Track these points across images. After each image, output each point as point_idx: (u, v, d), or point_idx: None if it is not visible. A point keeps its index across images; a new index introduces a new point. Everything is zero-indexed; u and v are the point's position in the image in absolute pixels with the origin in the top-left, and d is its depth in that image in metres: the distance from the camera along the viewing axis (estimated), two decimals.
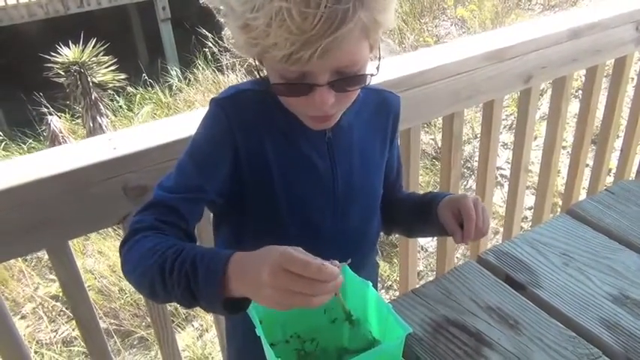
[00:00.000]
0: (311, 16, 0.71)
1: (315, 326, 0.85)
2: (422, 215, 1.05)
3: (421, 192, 1.19)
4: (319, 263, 0.67)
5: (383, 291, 3.88)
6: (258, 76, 0.88)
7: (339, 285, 0.69)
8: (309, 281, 0.66)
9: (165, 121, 1.25)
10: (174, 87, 7.20)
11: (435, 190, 1.24)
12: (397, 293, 3.77)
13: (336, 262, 0.72)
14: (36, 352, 3.95)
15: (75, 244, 4.72)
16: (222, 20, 0.82)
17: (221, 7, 0.81)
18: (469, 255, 2.40)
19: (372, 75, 0.84)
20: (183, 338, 3.84)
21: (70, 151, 1.16)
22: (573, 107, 2.83)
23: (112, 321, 4.17)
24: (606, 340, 0.87)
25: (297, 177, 0.94)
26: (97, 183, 1.11)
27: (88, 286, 4.34)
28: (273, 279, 0.67)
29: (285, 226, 0.94)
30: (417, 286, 1.02)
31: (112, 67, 6.57)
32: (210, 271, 0.74)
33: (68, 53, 6.23)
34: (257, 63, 0.86)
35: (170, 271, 0.76)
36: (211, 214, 1.04)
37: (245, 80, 1.04)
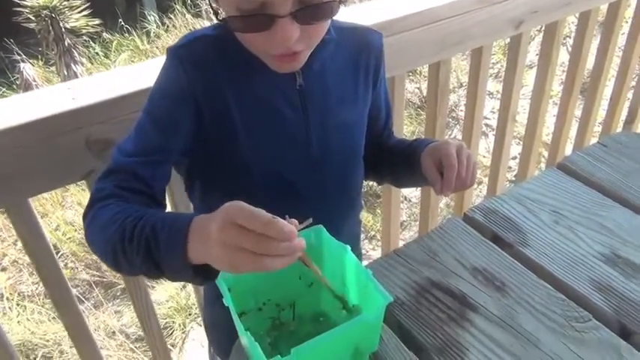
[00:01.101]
0: None
1: (290, 293, 0.80)
2: (408, 164, 0.97)
3: (412, 138, 1.10)
4: (269, 216, 0.59)
5: (366, 242, 3.87)
6: (216, 20, 0.78)
7: (299, 248, 0.61)
8: (258, 237, 0.59)
9: (129, 69, 1.15)
10: (152, 33, 6.94)
11: (423, 137, 1.14)
12: (380, 244, 3.77)
13: (294, 220, 0.63)
14: (18, 304, 3.92)
15: (53, 196, 4.64)
16: None
17: None
18: (453, 205, 2.37)
19: (339, 2, 0.74)
20: (167, 289, 3.83)
21: (24, 101, 1.07)
22: (560, 56, 2.76)
23: (95, 273, 4.14)
24: (597, 302, 0.83)
25: (265, 131, 0.86)
26: (56, 136, 1.03)
27: (68, 238, 4.32)
28: (220, 233, 0.60)
29: (256, 184, 0.87)
30: (400, 243, 0.96)
31: (86, 12, 6.28)
32: (172, 235, 0.67)
33: None
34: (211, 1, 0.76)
35: (130, 239, 0.69)
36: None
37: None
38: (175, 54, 0.81)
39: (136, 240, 0.69)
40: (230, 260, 0.61)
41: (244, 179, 0.87)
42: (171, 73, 0.82)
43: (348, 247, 0.73)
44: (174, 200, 1.21)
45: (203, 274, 0.68)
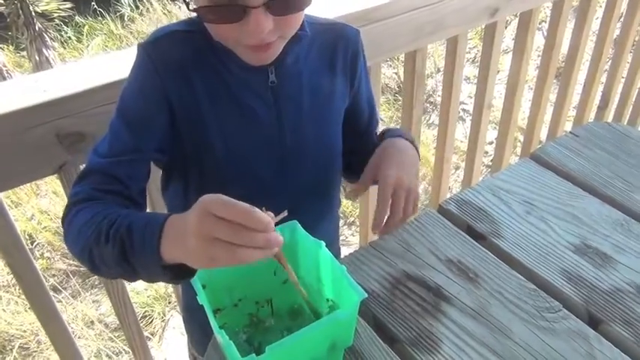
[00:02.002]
0: None
1: (265, 289, 0.80)
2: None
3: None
4: (248, 206, 0.59)
5: (345, 227, 3.89)
6: (187, 9, 0.77)
7: (276, 243, 0.61)
8: (236, 227, 0.58)
9: (100, 59, 1.13)
10: (126, 17, 6.80)
11: (391, 129, 1.05)
12: (359, 229, 3.79)
13: (271, 212, 0.63)
14: None
15: (27, 185, 4.56)
16: None
17: None
18: (430, 191, 2.38)
19: None
20: None
21: None
22: (535, 40, 2.78)
23: (71, 262, 4.10)
24: (567, 292, 0.85)
25: (236, 128, 0.85)
26: (27, 130, 1.01)
27: (44, 227, 4.25)
28: (197, 225, 0.60)
29: (230, 182, 0.86)
30: (377, 238, 0.96)
31: None
32: (146, 235, 0.67)
33: None
34: None
35: (105, 241, 0.69)
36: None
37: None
38: (145, 50, 0.80)
39: (111, 241, 0.69)
40: (207, 252, 0.60)
41: (218, 176, 0.86)
42: (140, 68, 0.80)
43: (323, 243, 0.74)
44: (152, 200, 1.19)
45: (177, 274, 0.68)
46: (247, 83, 0.84)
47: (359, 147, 1.01)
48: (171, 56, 0.80)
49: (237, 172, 0.86)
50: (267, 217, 0.60)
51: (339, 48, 0.92)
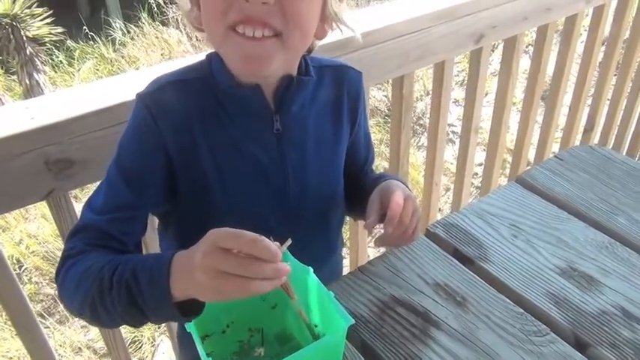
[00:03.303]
0: None
1: (253, 315, 0.80)
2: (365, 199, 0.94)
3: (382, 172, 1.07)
4: (255, 235, 0.59)
5: None
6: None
7: (284, 272, 0.61)
8: (244, 260, 0.59)
9: (90, 86, 1.14)
10: (117, 41, 6.84)
11: (386, 174, 1.04)
12: (349, 251, 3.78)
13: (277, 242, 0.64)
14: None
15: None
16: None
17: None
18: (420, 212, 2.40)
19: None
20: None
21: None
22: (523, 63, 2.82)
23: None
24: (554, 316, 0.85)
25: (239, 177, 0.83)
26: (15, 157, 1.00)
27: (32, 252, 4.21)
28: (205, 259, 0.60)
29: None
30: (369, 250, 0.97)
31: (48, 20, 6.15)
32: (154, 277, 0.66)
33: None
34: None
35: (109, 288, 0.67)
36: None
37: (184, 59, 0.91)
38: (143, 101, 0.77)
39: (115, 288, 0.67)
40: (216, 286, 0.60)
41: (217, 223, 0.85)
42: (138, 120, 0.78)
43: (311, 269, 0.74)
44: (147, 250, 1.18)
45: (186, 311, 0.67)
46: (251, 133, 0.82)
47: (353, 186, 0.99)
48: (171, 107, 0.78)
49: (239, 219, 0.83)
50: (275, 246, 0.61)
51: (343, 91, 0.91)
